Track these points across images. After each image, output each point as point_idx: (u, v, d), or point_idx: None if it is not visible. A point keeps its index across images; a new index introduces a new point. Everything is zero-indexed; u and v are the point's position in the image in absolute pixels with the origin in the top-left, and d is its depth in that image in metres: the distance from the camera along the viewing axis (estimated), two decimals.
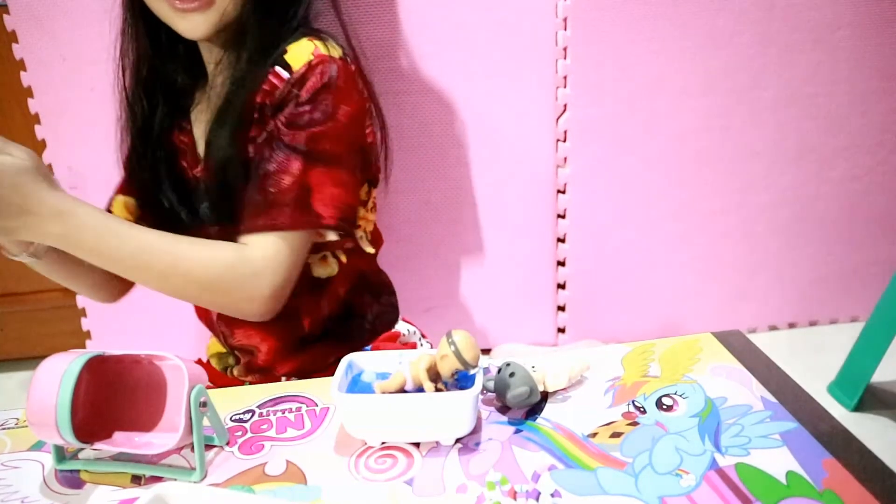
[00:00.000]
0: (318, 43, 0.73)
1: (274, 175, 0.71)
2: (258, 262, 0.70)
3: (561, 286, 1.44)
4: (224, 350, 0.91)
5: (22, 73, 1.19)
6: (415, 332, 0.94)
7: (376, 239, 0.91)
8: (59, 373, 0.52)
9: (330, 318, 0.85)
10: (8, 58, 1.18)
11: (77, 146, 1.23)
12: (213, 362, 0.93)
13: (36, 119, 1.22)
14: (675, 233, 1.45)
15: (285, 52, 0.73)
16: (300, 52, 0.72)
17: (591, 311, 1.48)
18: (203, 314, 0.90)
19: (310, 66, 0.71)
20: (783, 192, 1.46)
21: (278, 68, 0.72)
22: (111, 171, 0.83)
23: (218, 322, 0.86)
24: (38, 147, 1.23)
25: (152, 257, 0.68)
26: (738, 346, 0.70)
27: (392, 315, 0.94)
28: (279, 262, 0.71)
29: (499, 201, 1.36)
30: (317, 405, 0.64)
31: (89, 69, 1.18)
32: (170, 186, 0.82)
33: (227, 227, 0.75)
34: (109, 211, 0.85)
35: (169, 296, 0.71)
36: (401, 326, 0.93)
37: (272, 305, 0.72)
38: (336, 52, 0.74)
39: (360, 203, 0.84)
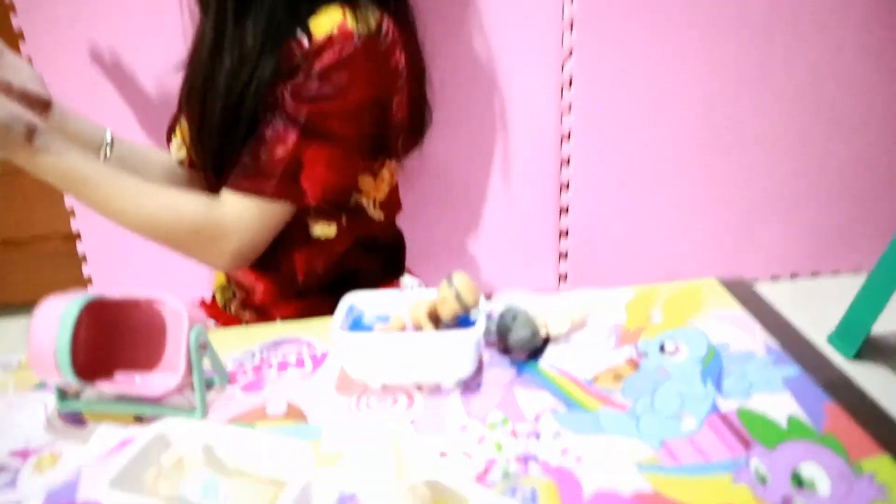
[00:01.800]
0: (348, 14, 0.68)
1: (269, 142, 0.70)
2: (227, 223, 0.71)
3: (563, 234, 1.43)
4: (226, 283, 0.91)
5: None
6: (419, 285, 0.94)
7: (393, 205, 0.89)
8: (58, 313, 0.52)
9: (326, 275, 0.84)
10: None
11: None
12: (217, 296, 0.93)
13: None
14: (680, 180, 1.43)
15: (314, 12, 0.69)
16: (326, 21, 0.68)
17: (594, 260, 1.47)
18: None
19: (330, 39, 0.68)
20: (794, 140, 1.43)
21: (300, 33, 0.69)
22: None
23: None
24: None
25: (126, 208, 0.69)
26: (743, 293, 0.69)
27: (396, 271, 0.93)
28: (249, 226, 0.71)
29: (502, 148, 1.34)
30: (317, 347, 0.63)
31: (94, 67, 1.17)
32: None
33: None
34: (172, 132, 0.85)
35: None
36: (405, 280, 0.93)
37: (235, 264, 0.74)
38: (366, 28, 0.69)
39: (371, 174, 0.82)
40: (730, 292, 0.69)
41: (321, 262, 0.83)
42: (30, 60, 1.18)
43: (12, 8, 1.15)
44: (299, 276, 0.83)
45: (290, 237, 0.78)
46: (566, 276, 1.48)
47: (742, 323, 0.64)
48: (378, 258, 0.90)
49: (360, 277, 0.87)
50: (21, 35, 1.16)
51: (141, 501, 0.39)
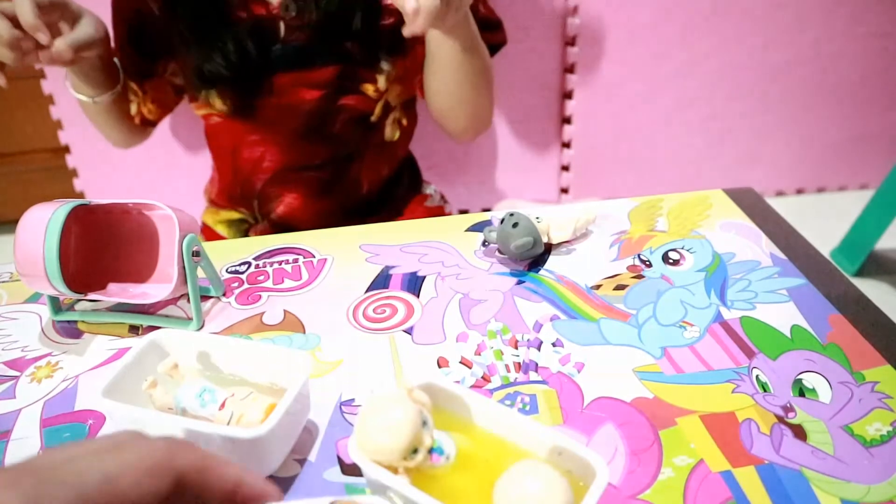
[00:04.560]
0: None
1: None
2: None
3: (566, 145, 1.40)
4: (240, 216, 0.88)
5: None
6: (437, 191, 0.93)
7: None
8: (45, 220, 0.50)
9: (388, 181, 0.82)
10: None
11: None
12: (222, 230, 0.90)
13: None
14: (686, 90, 1.38)
15: None
16: None
17: (597, 172, 1.44)
18: (239, 177, 0.85)
19: None
20: (806, 49, 1.37)
21: None
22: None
23: (268, 185, 0.83)
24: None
25: (487, 64, 0.78)
26: (750, 203, 0.67)
27: (418, 177, 0.92)
28: None
29: (504, 53, 1.28)
30: (314, 256, 0.62)
31: None
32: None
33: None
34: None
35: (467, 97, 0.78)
36: (426, 189, 0.92)
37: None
38: None
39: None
40: (737, 202, 0.67)
41: (386, 167, 0.82)
42: None
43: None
44: (363, 186, 0.81)
45: (363, 140, 0.78)
46: (568, 189, 1.45)
47: (748, 232, 0.62)
48: (407, 165, 0.89)
49: (402, 185, 0.87)
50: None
51: (135, 410, 0.39)
